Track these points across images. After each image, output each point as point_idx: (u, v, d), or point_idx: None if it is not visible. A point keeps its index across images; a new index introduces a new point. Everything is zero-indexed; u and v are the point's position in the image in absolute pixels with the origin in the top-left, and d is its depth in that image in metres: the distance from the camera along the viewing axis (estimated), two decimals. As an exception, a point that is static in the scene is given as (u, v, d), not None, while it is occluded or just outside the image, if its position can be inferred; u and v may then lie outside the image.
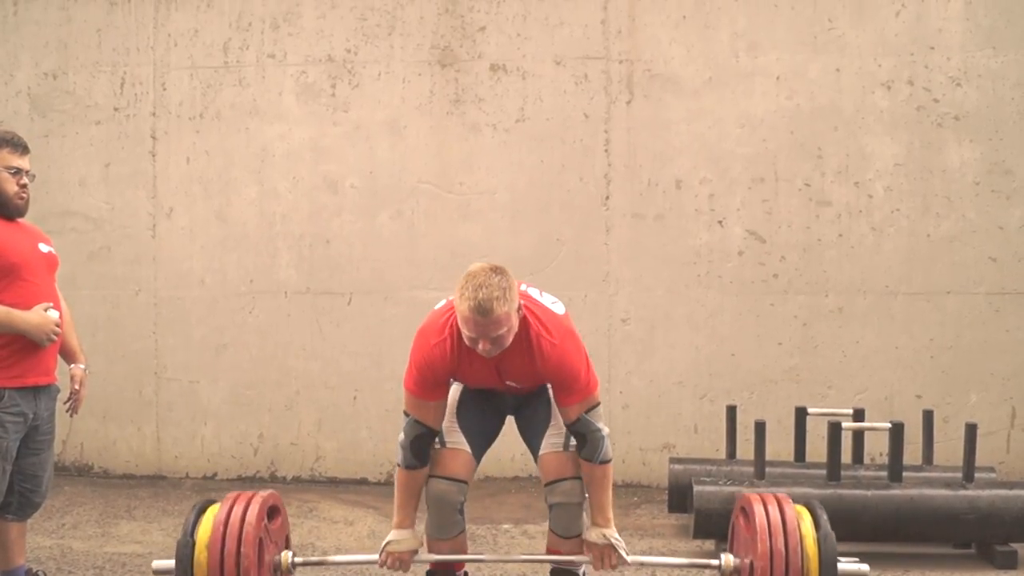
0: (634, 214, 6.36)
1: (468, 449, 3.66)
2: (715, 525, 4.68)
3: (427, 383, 3.46)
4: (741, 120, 6.29)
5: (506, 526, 5.47)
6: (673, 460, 5.40)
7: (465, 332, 3.25)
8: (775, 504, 3.36)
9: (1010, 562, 4.64)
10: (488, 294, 3.14)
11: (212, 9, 6.59)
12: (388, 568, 3.59)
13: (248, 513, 3.34)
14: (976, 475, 4.80)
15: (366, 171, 6.52)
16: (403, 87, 6.49)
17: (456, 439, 3.66)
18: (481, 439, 3.72)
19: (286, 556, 3.53)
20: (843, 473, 4.83)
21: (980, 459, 4.95)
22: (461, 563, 3.80)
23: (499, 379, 3.53)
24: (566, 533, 3.66)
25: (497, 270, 3.23)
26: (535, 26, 6.41)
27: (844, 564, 3.28)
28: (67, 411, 4.12)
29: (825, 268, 6.26)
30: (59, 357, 4.00)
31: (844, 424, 4.85)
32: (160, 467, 6.71)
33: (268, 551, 3.41)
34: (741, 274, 6.31)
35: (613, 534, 3.53)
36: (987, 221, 6.16)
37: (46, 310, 3.76)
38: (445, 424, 3.65)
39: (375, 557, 3.60)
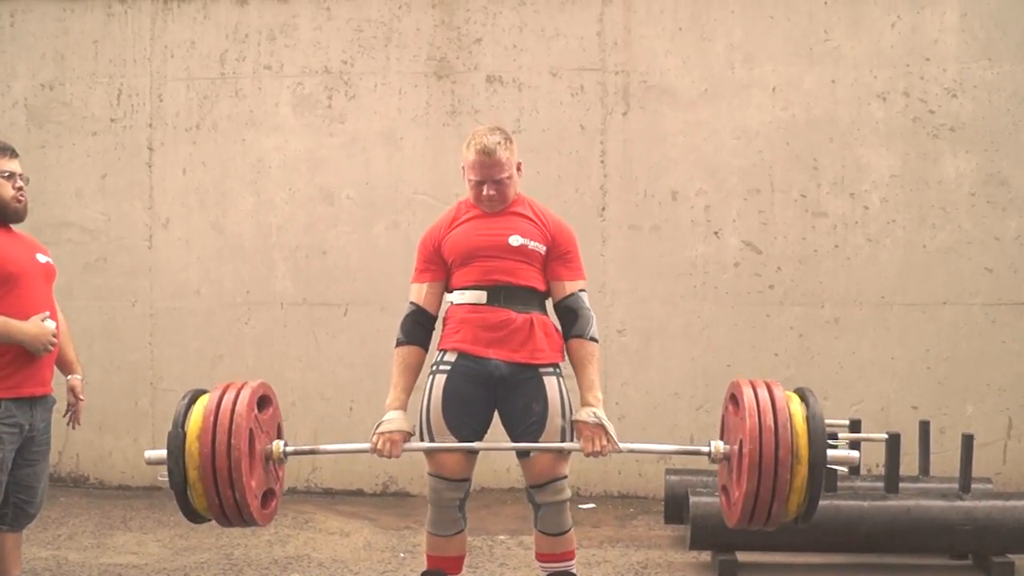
0: (630, 225, 6.37)
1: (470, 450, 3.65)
2: (712, 536, 4.67)
3: (423, 258, 3.72)
4: (737, 131, 6.30)
5: (502, 537, 5.46)
6: (669, 471, 5.39)
7: (472, 179, 3.61)
8: (764, 387, 3.30)
9: (1007, 573, 4.63)
10: (491, 139, 3.58)
11: (209, 20, 6.60)
12: (380, 453, 3.55)
13: (238, 403, 3.28)
14: (973, 486, 4.80)
15: (362, 182, 6.52)
16: (399, 98, 6.50)
17: (448, 442, 3.63)
18: (472, 435, 3.63)
19: (278, 446, 3.44)
20: (839, 484, 4.83)
21: (977, 470, 4.94)
22: (458, 567, 3.77)
23: (503, 232, 3.64)
24: (556, 530, 3.68)
25: (500, 128, 3.70)
26: (531, 38, 6.43)
27: (834, 451, 3.23)
28: (68, 423, 4.12)
29: (821, 279, 6.26)
30: (56, 368, 4.00)
31: (840, 435, 4.84)
32: (156, 478, 6.66)
33: (259, 441, 3.34)
34: (737, 285, 6.31)
35: (603, 416, 3.51)
36: (983, 232, 6.18)
37: (43, 320, 3.75)
38: (434, 428, 3.62)
39: (367, 445, 3.58)
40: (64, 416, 4.08)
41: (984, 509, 4.65)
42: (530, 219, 3.70)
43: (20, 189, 3.83)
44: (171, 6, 6.63)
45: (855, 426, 5.19)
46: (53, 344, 3.78)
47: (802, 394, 3.33)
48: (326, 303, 6.54)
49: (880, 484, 4.89)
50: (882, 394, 6.23)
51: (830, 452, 3.19)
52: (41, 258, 3.91)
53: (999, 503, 4.70)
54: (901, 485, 4.80)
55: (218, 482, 3.22)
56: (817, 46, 6.26)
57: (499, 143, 3.58)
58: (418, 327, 3.71)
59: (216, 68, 6.61)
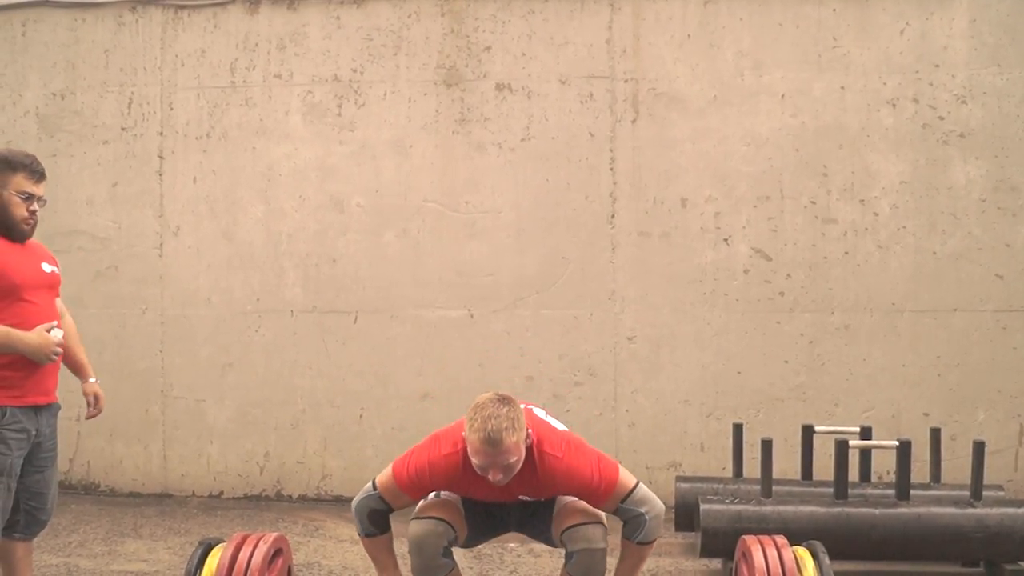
0: (640, 232, 6.37)
1: (460, 507, 3.61)
2: (722, 544, 4.65)
3: (419, 483, 3.45)
4: (746, 138, 6.30)
5: (512, 544, 5.45)
6: (680, 478, 5.38)
7: (475, 461, 3.29)
8: (773, 547, 3.38)
9: (1019, 581, 4.61)
10: (497, 425, 3.22)
11: (219, 30, 6.63)
12: None
13: (252, 563, 3.36)
14: (984, 493, 4.77)
15: (372, 190, 6.54)
16: (409, 106, 6.52)
17: (452, 497, 3.61)
18: (480, 524, 3.63)
19: None
20: (850, 491, 4.80)
21: (988, 477, 4.92)
22: None
23: (510, 494, 3.51)
24: None
25: (504, 400, 3.31)
26: (540, 45, 6.44)
27: None
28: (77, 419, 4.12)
29: (831, 286, 6.25)
30: (66, 373, 4.01)
31: (851, 442, 4.83)
32: (166, 485, 6.71)
33: None
34: (747, 292, 6.31)
35: None
36: (993, 238, 6.16)
37: (49, 330, 3.74)
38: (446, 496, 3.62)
39: None
40: (78, 420, 4.09)
41: (996, 516, 4.62)
42: (535, 484, 3.47)
43: (33, 212, 3.82)
44: (181, 15, 6.66)
45: (866, 433, 5.20)
46: (57, 354, 3.78)
47: (815, 554, 3.40)
48: (336, 311, 6.55)
49: (891, 491, 4.87)
50: (893, 401, 6.21)
51: None
52: (46, 267, 3.89)
53: (1011, 510, 4.67)
54: (912, 492, 4.77)
55: None
56: (826, 53, 6.25)
57: (506, 428, 3.23)
58: (384, 520, 3.60)
59: (226, 77, 6.63)
